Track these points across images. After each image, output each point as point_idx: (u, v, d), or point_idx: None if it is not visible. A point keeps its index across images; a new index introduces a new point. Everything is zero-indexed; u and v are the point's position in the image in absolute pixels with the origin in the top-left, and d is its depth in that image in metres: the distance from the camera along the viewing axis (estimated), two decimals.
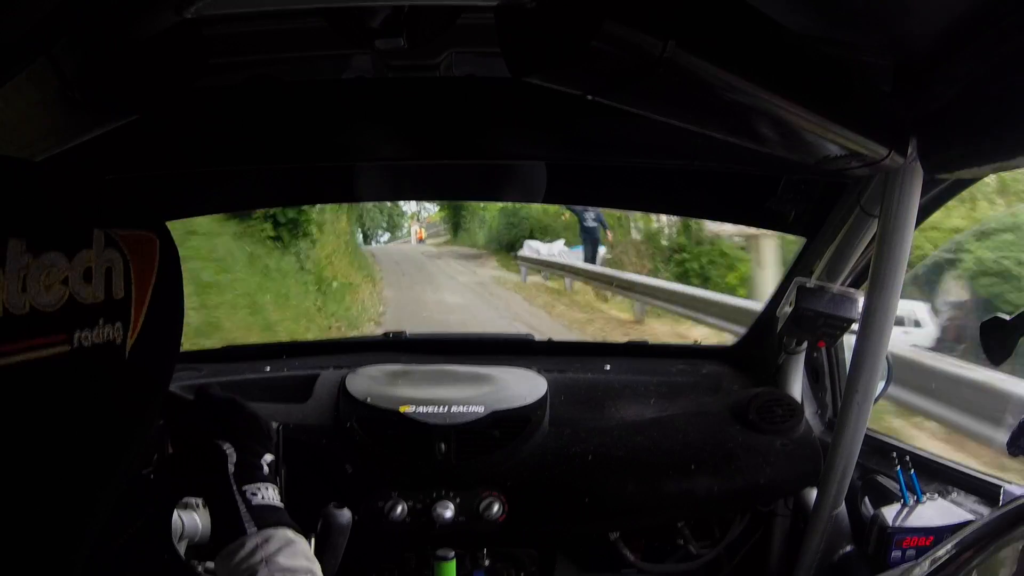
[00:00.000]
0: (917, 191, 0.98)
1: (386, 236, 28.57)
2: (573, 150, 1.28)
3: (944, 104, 0.81)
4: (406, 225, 29.41)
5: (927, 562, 0.62)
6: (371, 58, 1.08)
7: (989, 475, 1.24)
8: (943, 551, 0.62)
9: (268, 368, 1.57)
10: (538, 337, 1.80)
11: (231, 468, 0.77)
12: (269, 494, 0.76)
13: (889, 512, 1.22)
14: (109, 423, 0.45)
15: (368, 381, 1.43)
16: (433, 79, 1.12)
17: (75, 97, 0.70)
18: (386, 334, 1.82)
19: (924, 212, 1.14)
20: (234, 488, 0.75)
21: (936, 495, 1.24)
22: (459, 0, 0.85)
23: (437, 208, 26.35)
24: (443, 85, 1.15)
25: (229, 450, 0.78)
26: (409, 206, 27.91)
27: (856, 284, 1.35)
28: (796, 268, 1.44)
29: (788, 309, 1.31)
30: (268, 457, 0.81)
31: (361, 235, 27.04)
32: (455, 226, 23.88)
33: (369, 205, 24.72)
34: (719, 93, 0.71)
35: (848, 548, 1.31)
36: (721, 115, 0.79)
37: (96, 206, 0.44)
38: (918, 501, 1.22)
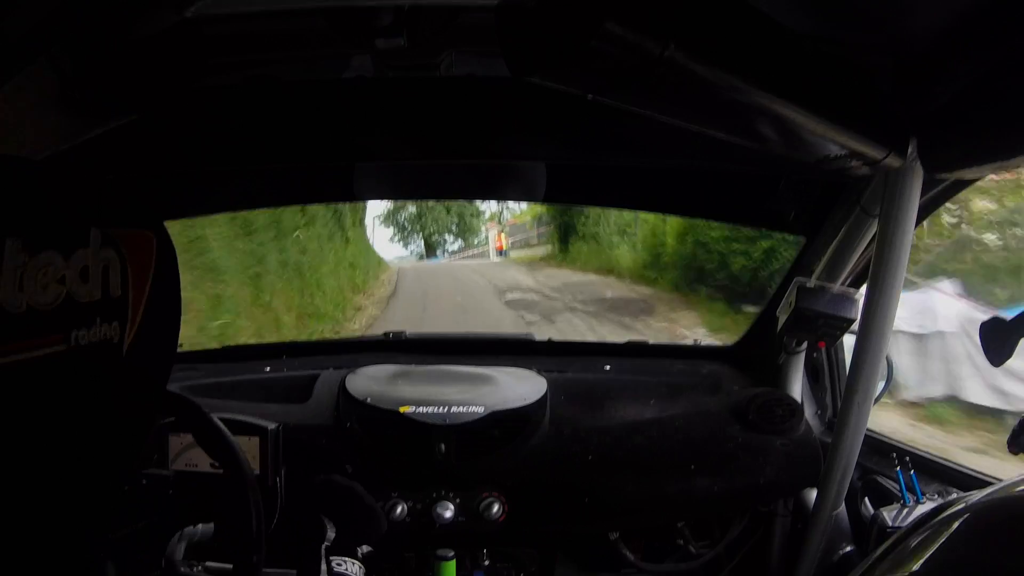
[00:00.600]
0: (917, 191, 0.98)
1: (458, 244, 21.24)
2: (573, 150, 1.27)
3: (944, 104, 0.81)
4: (483, 229, 20.51)
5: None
6: (371, 58, 1.08)
7: (989, 475, 1.23)
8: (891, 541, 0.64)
9: (268, 368, 1.57)
10: (538, 337, 1.80)
11: (326, 543, 0.79)
12: (354, 569, 0.78)
13: (889, 512, 1.22)
14: (108, 422, 0.45)
15: (368, 381, 1.43)
16: (433, 79, 1.12)
17: (75, 97, 0.70)
18: (386, 334, 1.82)
19: (924, 212, 1.14)
20: (323, 559, 0.77)
21: (936, 495, 1.24)
22: (459, 0, 0.85)
23: (526, 205, 15.67)
24: (443, 85, 1.15)
25: (331, 529, 0.80)
26: (489, 204, 20.13)
27: (856, 284, 1.35)
28: (796, 268, 1.44)
29: (788, 309, 1.31)
30: (365, 548, 0.83)
31: (423, 246, 20.55)
32: (563, 232, 13.49)
33: (431, 202, 18.84)
34: (719, 93, 0.71)
35: (848, 548, 1.31)
36: (721, 115, 0.78)
37: (93, 205, 0.44)
38: (918, 501, 1.22)
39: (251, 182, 1.51)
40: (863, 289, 1.16)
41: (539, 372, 1.52)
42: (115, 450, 0.47)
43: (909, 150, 0.92)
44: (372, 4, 0.82)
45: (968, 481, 1.25)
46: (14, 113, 0.67)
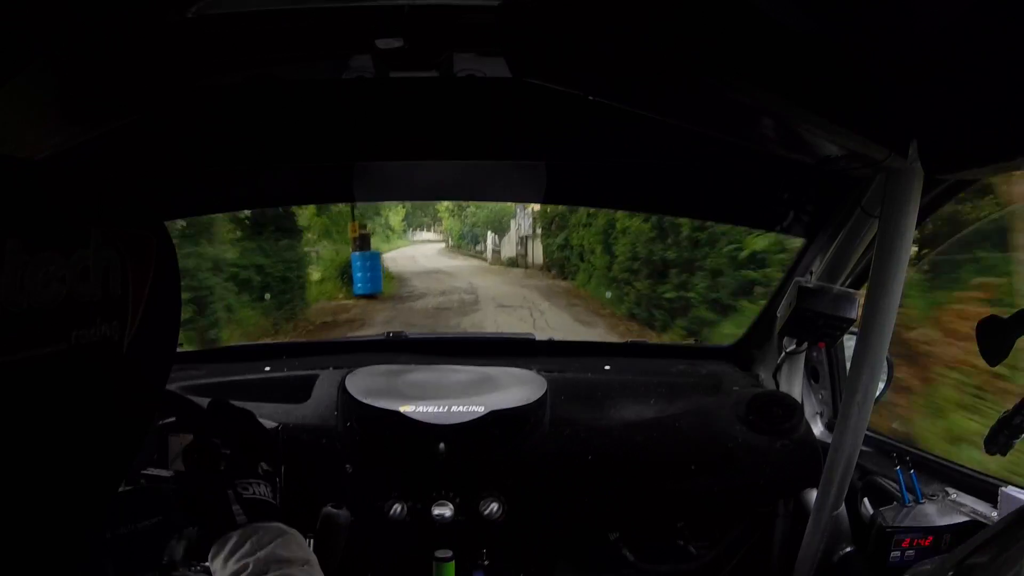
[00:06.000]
0: (918, 192, 0.98)
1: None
2: (573, 150, 1.27)
3: (944, 104, 0.81)
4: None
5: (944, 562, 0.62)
6: (371, 58, 1.08)
7: (989, 476, 1.23)
8: (960, 553, 0.61)
9: (268, 368, 1.57)
10: (538, 337, 1.80)
11: (223, 464, 0.77)
12: (261, 490, 0.76)
13: (889, 512, 1.22)
14: (108, 421, 0.45)
15: (368, 381, 1.43)
16: (433, 79, 1.12)
17: (75, 97, 0.70)
18: (386, 334, 1.82)
19: (925, 213, 1.14)
20: (228, 483, 0.75)
21: (936, 495, 1.24)
22: (459, 0, 0.85)
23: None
24: (443, 85, 1.15)
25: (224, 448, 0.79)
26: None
27: (856, 285, 1.35)
28: (796, 268, 1.44)
29: (788, 309, 1.31)
30: (264, 465, 0.81)
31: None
32: None
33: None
34: (719, 93, 0.71)
35: (848, 548, 1.31)
36: (721, 115, 0.79)
37: (94, 205, 0.44)
38: (918, 501, 1.22)
39: (251, 182, 1.51)
40: (863, 289, 1.16)
41: (539, 372, 1.52)
42: (115, 450, 0.47)
43: (910, 151, 0.92)
44: (372, 4, 0.82)
45: (968, 481, 1.25)
46: (14, 113, 0.67)
